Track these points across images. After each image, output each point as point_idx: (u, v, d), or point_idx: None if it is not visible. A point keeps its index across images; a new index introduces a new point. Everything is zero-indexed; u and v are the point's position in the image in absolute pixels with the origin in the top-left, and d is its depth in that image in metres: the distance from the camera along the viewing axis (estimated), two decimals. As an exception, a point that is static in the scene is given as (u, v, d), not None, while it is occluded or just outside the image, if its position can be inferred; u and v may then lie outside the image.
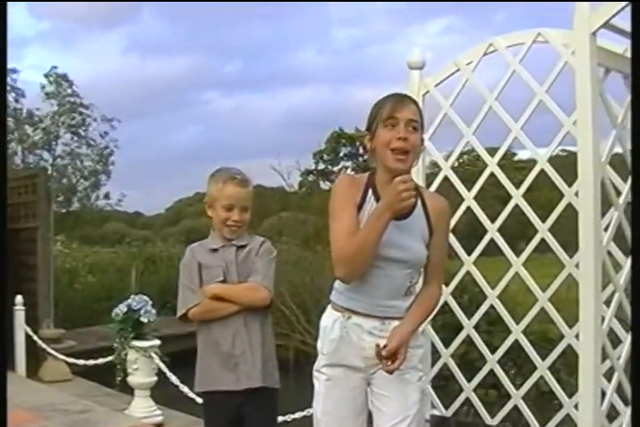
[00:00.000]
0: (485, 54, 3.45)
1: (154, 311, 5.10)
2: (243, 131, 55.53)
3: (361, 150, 24.21)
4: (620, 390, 2.91)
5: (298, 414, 4.03)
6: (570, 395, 3.08)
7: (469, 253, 3.49)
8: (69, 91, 23.78)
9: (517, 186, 3.29)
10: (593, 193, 2.65)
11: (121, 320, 5.09)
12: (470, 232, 4.11)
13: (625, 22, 2.63)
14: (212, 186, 2.61)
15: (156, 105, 57.20)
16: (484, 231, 3.42)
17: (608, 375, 2.92)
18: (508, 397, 3.36)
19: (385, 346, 2.08)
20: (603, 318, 2.74)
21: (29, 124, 22.96)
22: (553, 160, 3.26)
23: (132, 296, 5.19)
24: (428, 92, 3.62)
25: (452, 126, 3.59)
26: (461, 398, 3.51)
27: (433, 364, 3.59)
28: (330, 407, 2.21)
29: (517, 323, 3.32)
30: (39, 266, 7.38)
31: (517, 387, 3.33)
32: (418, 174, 3.44)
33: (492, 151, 3.44)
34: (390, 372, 2.09)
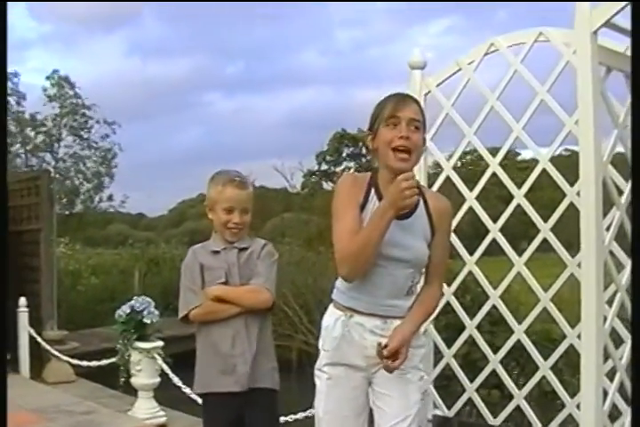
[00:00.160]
0: (487, 54, 3.45)
1: (157, 313, 5.11)
2: (245, 132, 55.59)
3: (364, 151, 24.24)
4: (622, 389, 2.91)
5: (300, 415, 4.02)
6: (572, 395, 3.07)
7: (472, 253, 3.49)
8: (71, 93, 23.82)
9: (519, 186, 3.29)
10: (594, 193, 2.64)
11: (124, 322, 5.10)
12: (472, 232, 4.11)
13: (626, 21, 2.62)
14: (211, 189, 2.61)
15: (158, 107, 57.28)
16: (487, 231, 3.42)
17: (610, 375, 2.91)
18: (511, 397, 3.35)
19: (386, 345, 2.08)
20: (605, 318, 2.73)
21: (32, 126, 22.98)
22: (555, 160, 3.26)
23: (135, 298, 5.20)
24: (429, 92, 3.62)
25: (453, 126, 3.59)
26: (464, 399, 3.51)
27: (435, 364, 3.58)
28: (331, 406, 2.21)
29: (520, 323, 3.32)
30: (42, 268, 7.38)
31: (520, 387, 3.33)
32: (420, 174, 3.43)
33: (493, 151, 3.43)
34: (391, 371, 2.09)
